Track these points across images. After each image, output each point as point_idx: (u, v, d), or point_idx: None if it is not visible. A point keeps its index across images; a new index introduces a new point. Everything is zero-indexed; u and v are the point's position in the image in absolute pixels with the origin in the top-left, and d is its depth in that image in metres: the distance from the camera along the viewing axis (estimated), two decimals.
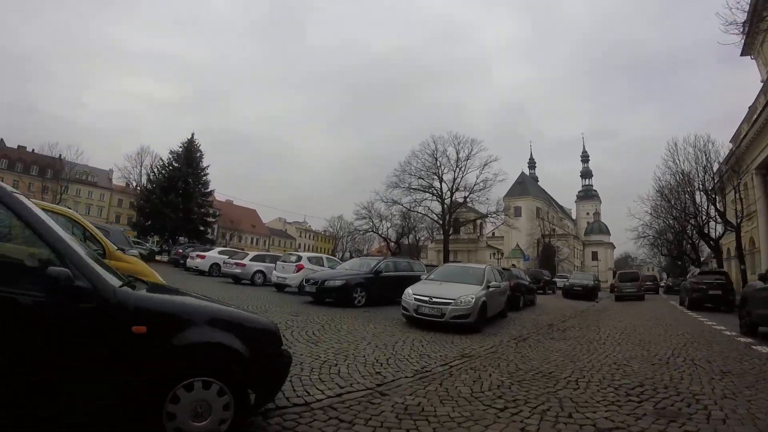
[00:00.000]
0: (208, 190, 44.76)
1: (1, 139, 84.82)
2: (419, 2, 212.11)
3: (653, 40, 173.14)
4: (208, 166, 45.03)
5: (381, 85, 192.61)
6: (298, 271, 16.29)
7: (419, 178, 51.03)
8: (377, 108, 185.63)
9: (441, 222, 51.27)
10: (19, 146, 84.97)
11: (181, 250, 29.67)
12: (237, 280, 19.49)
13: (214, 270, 22.56)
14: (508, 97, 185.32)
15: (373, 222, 59.57)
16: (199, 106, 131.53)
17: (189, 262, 24.37)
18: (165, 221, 39.37)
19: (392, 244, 60.00)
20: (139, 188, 42.68)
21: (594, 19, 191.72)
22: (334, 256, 37.33)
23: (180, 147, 43.65)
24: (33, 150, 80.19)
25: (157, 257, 35.71)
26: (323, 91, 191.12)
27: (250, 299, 13.52)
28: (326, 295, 12.61)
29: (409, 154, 51.54)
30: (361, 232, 62.29)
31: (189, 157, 42.91)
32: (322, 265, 17.37)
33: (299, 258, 17.22)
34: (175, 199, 39.98)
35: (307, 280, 13.27)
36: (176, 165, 42.24)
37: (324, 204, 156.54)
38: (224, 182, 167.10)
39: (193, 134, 44.34)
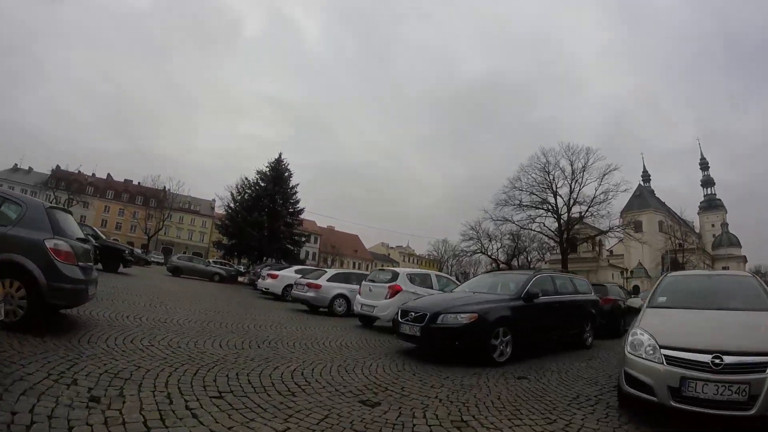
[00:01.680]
0: (298, 208, 42.22)
1: (109, 174, 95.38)
2: (507, 22, 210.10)
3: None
4: (297, 184, 42.71)
5: (477, 109, 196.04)
6: (392, 296, 11.70)
7: (531, 193, 47.80)
8: (474, 132, 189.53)
9: (558, 239, 46.99)
10: (125, 179, 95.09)
11: (259, 270, 26.43)
12: (312, 307, 15.28)
13: (288, 294, 18.67)
14: (606, 109, 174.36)
15: (481, 242, 56.44)
16: (303, 142, 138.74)
17: (259, 283, 20.74)
18: (250, 241, 36.73)
19: (502, 265, 56.44)
20: (226, 210, 40.93)
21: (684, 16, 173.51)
22: None
23: (267, 167, 41.80)
24: (138, 183, 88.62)
25: (240, 278, 33.17)
26: (420, 120, 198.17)
27: (302, 346, 9.21)
28: (440, 342, 7.76)
29: (518, 170, 48.72)
30: (468, 254, 60.04)
31: (276, 176, 40.77)
32: (430, 286, 12.63)
33: (394, 276, 12.48)
34: (260, 217, 37.62)
35: (404, 313, 8.29)
36: (263, 184, 40.15)
37: (427, 228, 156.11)
38: (328, 209, 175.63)
39: (280, 153, 42.56)
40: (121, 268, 21.87)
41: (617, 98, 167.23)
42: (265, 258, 38.21)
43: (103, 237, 23.22)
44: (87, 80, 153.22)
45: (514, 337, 7.99)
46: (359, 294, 12.95)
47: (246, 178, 41.57)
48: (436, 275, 13.77)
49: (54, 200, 72.91)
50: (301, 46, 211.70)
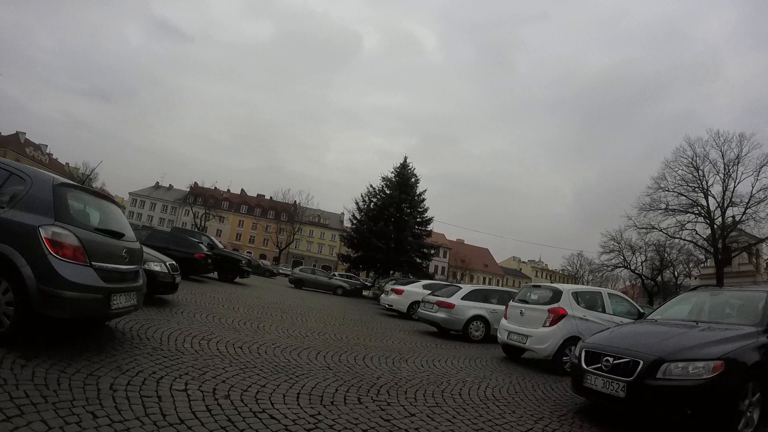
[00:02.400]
0: (426, 218, 39.72)
1: (242, 189, 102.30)
2: (626, 10, 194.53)
3: None
4: (425, 191, 40.11)
5: (604, 108, 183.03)
6: (553, 323, 8.72)
7: (678, 194, 39.59)
8: (605, 133, 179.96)
9: (711, 249, 38.48)
10: (258, 194, 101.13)
11: (383, 284, 24.33)
12: (442, 330, 12.63)
13: (415, 312, 16.28)
14: (747, 94, 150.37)
15: (623, 255, 49.53)
16: (428, 153, 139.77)
17: (383, 298, 18.55)
18: (375, 253, 35.13)
19: (647, 281, 50.09)
20: (351, 222, 39.56)
21: None
22: None
23: (392, 172, 39.80)
24: (270, 197, 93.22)
25: (365, 292, 31.49)
26: (547, 124, 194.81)
27: (428, 398, 6.70)
28: (663, 408, 4.78)
29: (662, 166, 40.73)
30: (608, 268, 52.04)
31: (402, 182, 38.60)
32: (602, 309, 9.45)
33: (556, 295, 9.33)
34: (386, 227, 35.77)
35: (593, 356, 5.51)
36: (388, 191, 38.36)
37: (560, 239, 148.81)
38: (457, 222, 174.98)
39: (405, 158, 40.21)
40: (237, 279, 21.06)
41: (761, 78, 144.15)
42: (391, 271, 36.29)
43: (220, 246, 22.58)
44: (223, 106, 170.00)
45: (765, 396, 4.98)
46: (505, 318, 9.99)
47: (371, 186, 40.16)
48: (608, 293, 10.30)
49: (192, 214, 78.29)
50: (420, 57, 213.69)
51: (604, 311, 9.41)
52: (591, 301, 9.57)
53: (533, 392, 6.52)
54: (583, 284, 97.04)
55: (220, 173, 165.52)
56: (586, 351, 5.62)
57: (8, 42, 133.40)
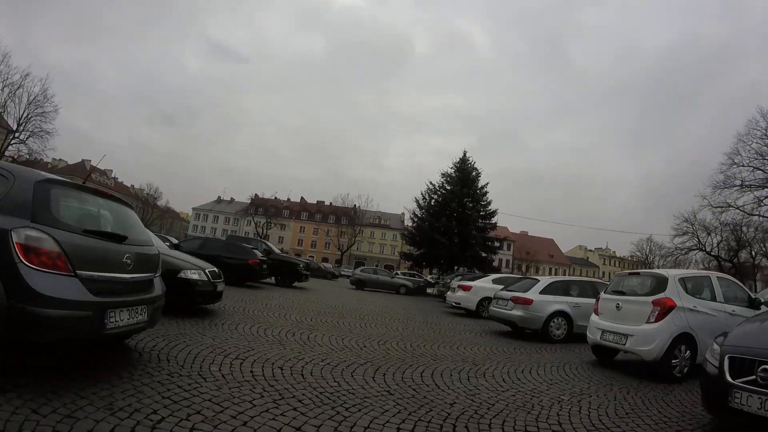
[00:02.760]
0: (490, 210, 37.77)
1: (302, 197, 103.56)
2: None
3: None
4: (487, 184, 38.21)
5: (665, 89, 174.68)
6: (660, 318, 7.21)
7: (755, 168, 36.81)
8: (668, 116, 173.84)
9: None
10: (317, 201, 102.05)
11: (448, 280, 23.00)
12: (518, 329, 11.20)
13: (485, 309, 14.91)
14: None
15: (698, 237, 47.41)
16: (488, 151, 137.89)
17: (449, 296, 17.24)
18: (438, 249, 33.68)
19: (724, 263, 46.84)
20: (412, 219, 38.28)
21: None
22: None
23: (452, 168, 38.39)
24: (330, 203, 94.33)
25: (429, 290, 30.20)
26: (607, 110, 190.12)
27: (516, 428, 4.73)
28: None
29: (734, 141, 37.89)
30: (682, 252, 49.19)
31: (463, 177, 37.00)
32: (712, 297, 7.83)
33: (660, 283, 7.69)
34: (448, 223, 34.20)
35: (746, 364, 4.00)
36: (448, 187, 36.88)
37: (627, 226, 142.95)
38: (520, 216, 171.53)
39: (465, 152, 38.65)
40: (296, 283, 20.44)
41: None
42: (456, 267, 34.75)
43: (277, 251, 21.86)
44: (282, 120, 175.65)
45: None
46: (596, 314, 8.42)
47: (431, 183, 38.72)
48: (717, 277, 8.51)
49: (254, 224, 79.70)
50: (472, 55, 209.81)
51: (714, 299, 7.72)
52: (698, 287, 7.87)
53: (647, 410, 5.05)
54: (647, 268, 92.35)
55: (280, 184, 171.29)
56: (731, 357, 4.13)
57: (76, 78, 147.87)
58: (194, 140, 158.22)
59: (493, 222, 37.66)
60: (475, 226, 35.34)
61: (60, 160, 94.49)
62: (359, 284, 28.11)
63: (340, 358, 6.22)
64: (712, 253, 49.22)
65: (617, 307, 7.88)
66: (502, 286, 14.70)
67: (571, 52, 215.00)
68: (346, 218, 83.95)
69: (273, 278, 19.93)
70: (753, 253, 50.50)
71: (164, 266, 5.96)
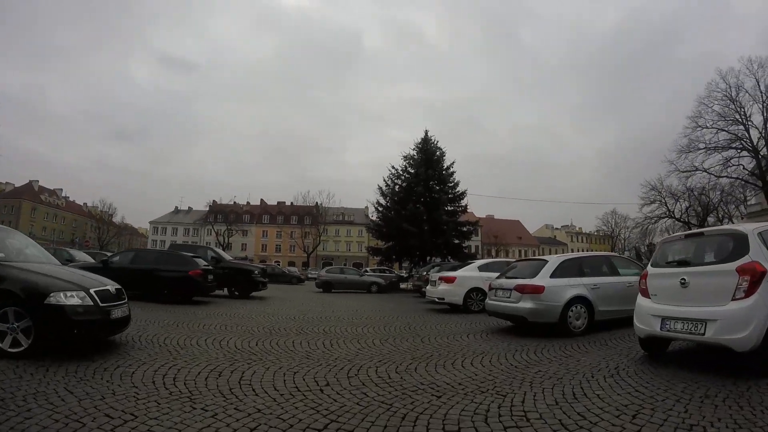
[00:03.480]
0: (458, 192, 35.01)
1: (262, 199, 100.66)
2: None
3: None
4: (453, 162, 35.33)
5: (619, 64, 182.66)
6: (751, 292, 4.92)
7: (718, 131, 37.54)
8: (623, 89, 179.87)
9: (760, 183, 36.35)
10: (278, 202, 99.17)
11: (425, 273, 20.62)
12: (524, 323, 8.83)
13: (474, 302, 12.64)
14: (759, 25, 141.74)
15: (666, 205, 48.10)
16: (449, 138, 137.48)
17: (429, 291, 14.85)
18: (408, 239, 31.03)
19: (695, 228, 44.23)
20: (377, 209, 35.46)
21: None
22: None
23: (414, 149, 35.56)
24: (291, 203, 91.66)
25: (402, 285, 27.90)
26: (565, 90, 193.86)
27: None
28: None
29: (695, 104, 38.65)
30: (652, 220, 49.27)
31: (427, 158, 34.28)
32: None
33: (739, 242, 5.36)
34: (416, 209, 31.45)
35: None
36: (412, 171, 34.13)
37: (590, 204, 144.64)
38: (485, 200, 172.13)
39: (426, 131, 35.78)
40: (254, 293, 18.06)
41: None
42: (429, 258, 32.32)
43: (228, 258, 19.04)
44: (239, 126, 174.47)
45: None
46: (645, 296, 6.11)
47: (393, 167, 35.59)
48: None
49: (214, 233, 76.26)
50: (425, 45, 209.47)
51: None
52: None
53: None
54: (620, 243, 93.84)
55: (241, 190, 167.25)
56: None
57: (25, 102, 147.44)
58: (151, 154, 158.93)
59: (464, 205, 35.18)
60: (444, 210, 32.96)
61: (7, 183, 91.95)
62: (326, 286, 25.48)
63: (289, 416, 3.66)
64: (682, 219, 49.08)
65: (682, 282, 5.53)
66: (490, 274, 12.51)
67: (523, 36, 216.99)
68: (309, 218, 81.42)
69: (225, 290, 17.26)
70: (720, 216, 51.02)
71: (24, 287, 5.38)
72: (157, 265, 14.00)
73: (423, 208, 31.02)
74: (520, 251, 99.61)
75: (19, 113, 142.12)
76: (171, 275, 13.62)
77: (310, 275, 46.77)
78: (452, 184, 34.37)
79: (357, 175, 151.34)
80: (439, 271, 16.15)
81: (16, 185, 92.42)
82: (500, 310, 9.21)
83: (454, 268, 15.37)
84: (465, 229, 33.89)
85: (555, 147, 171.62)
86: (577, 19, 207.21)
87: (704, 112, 38.29)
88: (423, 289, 18.28)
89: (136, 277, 13.43)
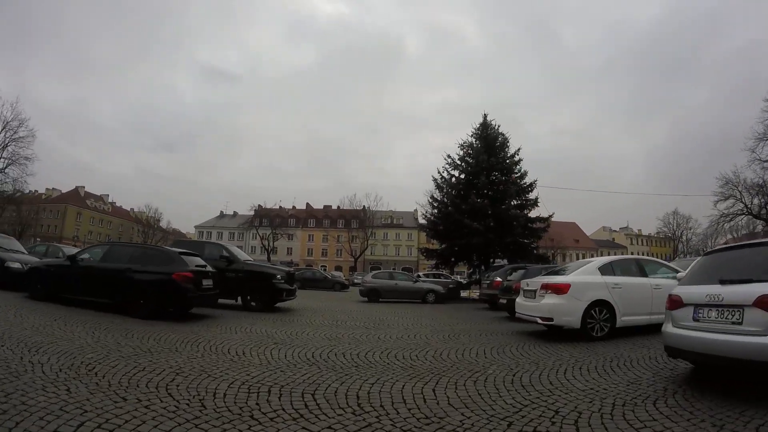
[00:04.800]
0: (525, 183, 29.16)
1: (308, 203, 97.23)
2: None
3: None
4: (519, 149, 29.53)
5: (661, 59, 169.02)
6: None
7: None
8: (665, 85, 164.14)
9: None
10: (324, 206, 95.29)
11: (498, 278, 15.97)
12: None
13: (597, 323, 8.06)
14: None
15: (743, 199, 42.03)
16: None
17: (521, 306, 9.79)
18: (471, 237, 25.67)
19: None
20: (425, 212, 30.36)
21: None
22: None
23: (472, 135, 30.28)
24: (338, 207, 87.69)
25: (463, 293, 23.26)
26: (605, 88, 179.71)
27: None
28: None
29: None
30: (727, 218, 43.29)
31: (487, 144, 28.95)
32: None
33: None
34: (479, 201, 26.23)
35: None
36: (470, 160, 28.92)
37: (642, 204, 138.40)
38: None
39: (485, 115, 30.44)
40: (281, 302, 13.98)
41: None
42: (492, 260, 27.26)
43: (245, 258, 14.79)
44: (282, 135, 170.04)
45: None
46: None
47: (448, 156, 29.97)
48: None
49: (259, 237, 73.48)
50: (464, 48, 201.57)
51: None
52: None
53: None
54: (683, 246, 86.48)
55: (287, 195, 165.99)
56: None
57: (75, 114, 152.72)
58: (196, 163, 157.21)
59: (533, 198, 29.05)
60: (511, 204, 27.66)
61: (54, 189, 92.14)
62: (372, 295, 20.94)
63: None
64: (761, 216, 42.96)
65: None
66: (619, 279, 8.69)
67: (561, 33, 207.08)
68: (356, 221, 77.16)
69: (239, 299, 13.11)
70: None
71: None
72: (130, 263, 9.89)
73: (487, 201, 25.97)
74: (578, 255, 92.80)
75: (66, 124, 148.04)
76: (148, 278, 9.55)
77: (356, 280, 42.26)
78: (518, 174, 28.88)
79: (399, 182, 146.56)
80: (538, 276, 11.27)
81: (62, 191, 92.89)
82: (726, 349, 4.44)
83: (556, 272, 10.51)
84: (535, 225, 28.66)
85: (598, 148, 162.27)
86: (615, 16, 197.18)
87: None
88: (500, 300, 13.57)
89: (106, 280, 9.92)
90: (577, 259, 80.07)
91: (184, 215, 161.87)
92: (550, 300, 8.64)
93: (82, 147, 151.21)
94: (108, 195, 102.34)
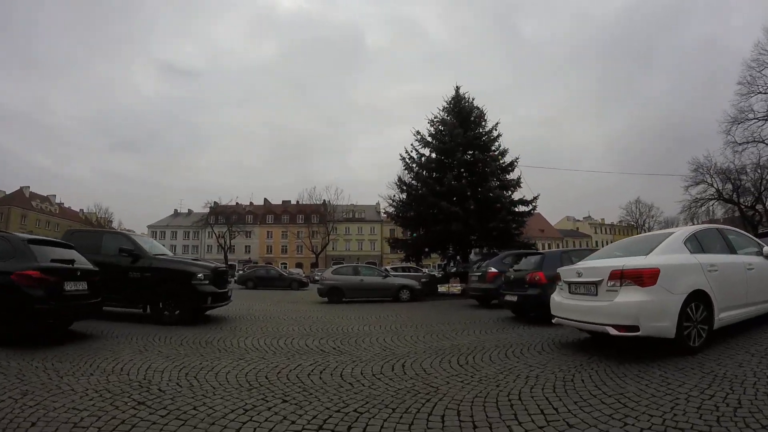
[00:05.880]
0: (505, 161, 24.86)
1: (265, 199, 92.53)
2: None
3: None
4: (497, 124, 25.52)
5: (621, 51, 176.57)
6: None
7: None
8: (626, 76, 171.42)
9: None
10: (283, 201, 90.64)
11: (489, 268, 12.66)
12: None
13: (693, 326, 4.63)
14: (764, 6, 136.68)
15: (714, 183, 42.77)
16: None
17: (567, 306, 6.04)
18: (450, 222, 21.59)
19: (747, 210, 42.64)
20: (392, 197, 26.07)
21: None
22: None
23: (442, 110, 26.04)
24: (297, 201, 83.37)
25: (441, 287, 20.12)
26: (568, 78, 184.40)
27: None
28: None
29: (743, 68, 35.10)
30: (698, 203, 44.07)
31: (462, 119, 24.85)
32: None
33: None
34: (456, 183, 22.24)
35: None
36: (443, 136, 24.46)
37: (604, 193, 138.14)
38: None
39: (458, 88, 26.31)
40: (208, 310, 10.39)
41: None
42: (474, 249, 23.59)
43: (160, 251, 10.82)
44: (246, 130, 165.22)
45: None
46: None
47: (417, 132, 25.53)
48: None
49: (215, 236, 68.80)
50: (426, 41, 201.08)
51: None
52: None
53: None
54: (641, 233, 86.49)
55: (245, 192, 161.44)
56: None
57: (30, 115, 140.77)
58: (154, 161, 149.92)
59: (515, 179, 24.67)
60: (489, 186, 23.09)
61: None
62: (334, 294, 17.12)
63: None
64: (734, 201, 43.37)
65: None
66: (714, 257, 5.97)
67: (522, 27, 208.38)
68: (317, 216, 73.33)
69: (146, 307, 9.36)
70: None
71: None
72: None
73: (464, 181, 22.17)
74: (543, 245, 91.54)
75: (19, 124, 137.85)
76: None
77: (316, 277, 38.29)
78: (497, 151, 24.66)
79: (363, 176, 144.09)
80: (565, 263, 7.89)
81: (6, 192, 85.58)
82: None
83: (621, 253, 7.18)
84: (518, 209, 24.65)
85: (562, 138, 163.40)
86: (579, 9, 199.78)
87: (756, 78, 34.47)
88: (506, 298, 10.16)
89: None
90: (543, 248, 78.61)
91: (139, 215, 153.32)
92: (628, 296, 5.16)
93: (34, 147, 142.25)
94: (55, 196, 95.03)
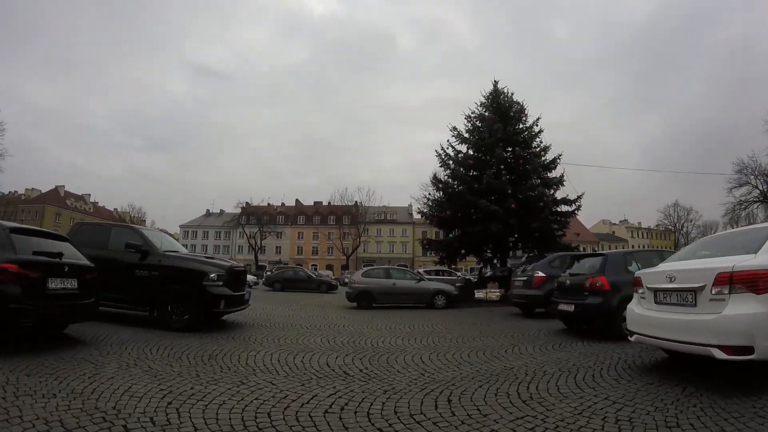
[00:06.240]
0: (547, 159, 23.31)
1: (297, 200, 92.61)
2: None
3: None
4: (539, 119, 23.85)
5: (653, 51, 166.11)
6: None
7: None
8: (658, 77, 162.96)
9: None
10: (315, 202, 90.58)
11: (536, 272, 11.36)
12: None
13: None
14: None
15: (758, 185, 40.73)
16: None
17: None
18: (489, 222, 20.07)
19: None
20: (427, 196, 24.54)
21: None
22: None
23: (480, 106, 24.49)
24: (329, 203, 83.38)
25: (479, 293, 18.85)
26: (598, 81, 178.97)
27: None
28: None
29: None
30: (742, 206, 41.98)
31: (501, 114, 23.32)
32: None
33: None
34: (495, 180, 20.72)
35: None
36: (482, 131, 23.02)
37: (639, 198, 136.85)
38: None
39: (496, 82, 24.76)
40: (224, 315, 9.51)
41: None
42: (508, 252, 22.14)
43: (168, 249, 9.75)
44: (275, 132, 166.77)
45: None
46: None
47: (454, 128, 23.95)
48: None
49: (246, 236, 69.41)
50: (456, 43, 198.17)
51: None
52: None
53: None
54: (684, 238, 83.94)
55: (276, 192, 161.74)
56: None
57: (64, 114, 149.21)
58: (185, 162, 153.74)
59: (558, 177, 23.00)
60: (531, 184, 21.63)
61: (33, 189, 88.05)
62: (363, 299, 15.93)
63: None
64: None
65: None
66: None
67: (554, 29, 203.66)
68: (348, 217, 72.87)
69: (153, 310, 8.38)
70: None
71: None
72: None
73: (505, 179, 20.56)
74: (580, 247, 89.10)
75: (53, 123, 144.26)
76: None
77: (346, 279, 37.19)
78: (539, 147, 23.14)
79: (394, 178, 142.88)
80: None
81: (42, 191, 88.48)
82: None
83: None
84: (561, 209, 23.14)
85: (593, 142, 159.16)
86: (608, 11, 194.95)
87: None
88: (560, 307, 8.78)
89: None
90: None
91: (171, 215, 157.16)
92: (741, 307, 3.86)
93: (67, 147, 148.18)
94: (89, 195, 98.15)
